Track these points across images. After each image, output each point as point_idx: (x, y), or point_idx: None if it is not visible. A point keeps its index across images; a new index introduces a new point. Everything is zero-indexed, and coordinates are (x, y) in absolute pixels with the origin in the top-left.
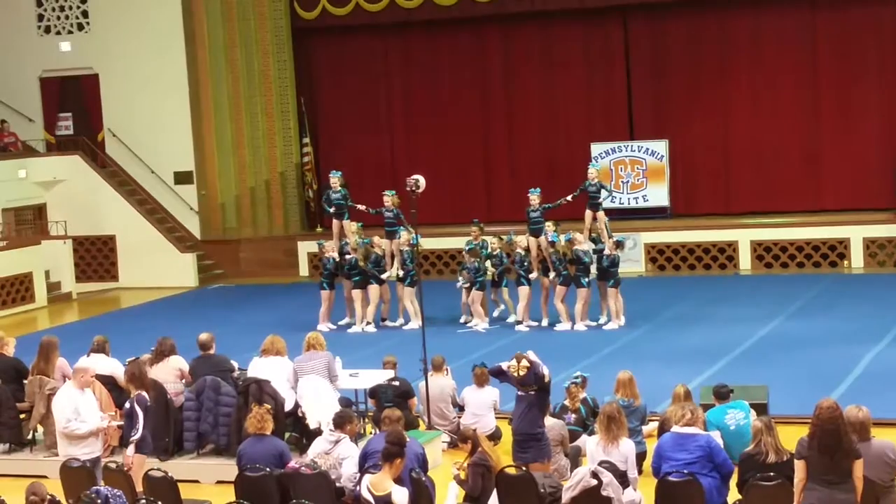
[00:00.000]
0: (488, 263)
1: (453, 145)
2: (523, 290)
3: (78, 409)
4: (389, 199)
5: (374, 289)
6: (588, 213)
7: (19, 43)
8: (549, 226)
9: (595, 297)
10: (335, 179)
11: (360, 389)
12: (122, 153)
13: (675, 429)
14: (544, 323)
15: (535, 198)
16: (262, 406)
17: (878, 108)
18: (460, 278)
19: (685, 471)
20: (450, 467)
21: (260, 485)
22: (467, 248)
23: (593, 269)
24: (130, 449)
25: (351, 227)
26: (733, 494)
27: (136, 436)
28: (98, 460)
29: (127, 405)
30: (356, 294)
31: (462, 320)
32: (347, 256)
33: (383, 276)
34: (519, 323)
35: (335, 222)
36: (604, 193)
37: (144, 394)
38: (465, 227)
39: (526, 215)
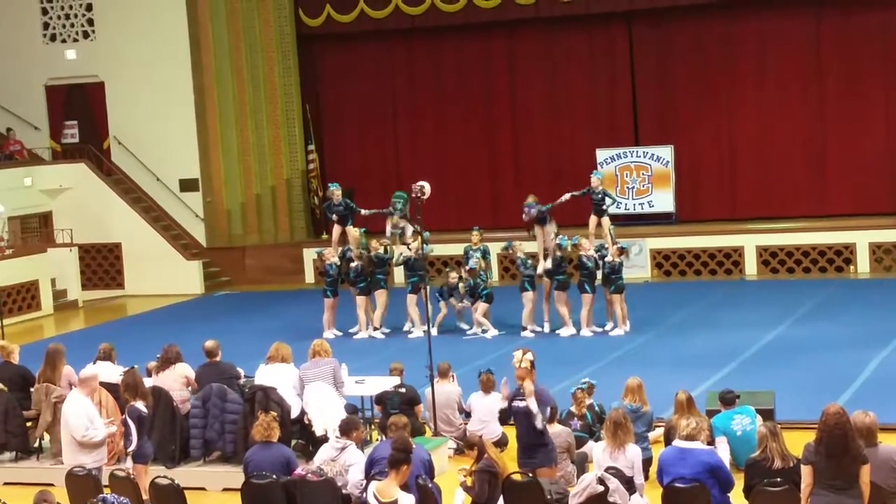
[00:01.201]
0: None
1: (459, 152)
2: (527, 296)
3: (91, 417)
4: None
5: (381, 293)
6: (592, 219)
7: (25, 51)
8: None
9: (601, 303)
10: (337, 192)
11: (367, 396)
12: (127, 161)
13: (677, 442)
14: (546, 329)
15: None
16: (268, 413)
17: (883, 112)
18: (459, 299)
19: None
20: (456, 474)
21: (266, 492)
22: (468, 266)
23: (599, 274)
24: (128, 461)
25: (353, 233)
26: (740, 500)
27: (131, 448)
28: (100, 468)
29: (123, 416)
30: (360, 301)
31: (470, 331)
32: (353, 264)
33: (394, 260)
34: (524, 329)
35: (336, 228)
36: (608, 201)
37: (138, 405)
38: (470, 233)
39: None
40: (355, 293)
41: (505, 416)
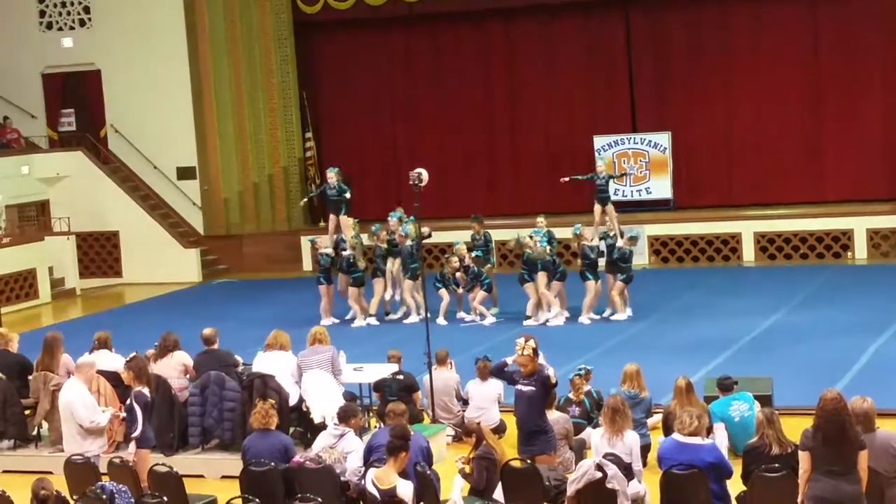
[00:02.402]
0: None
1: (456, 139)
2: (530, 287)
3: (94, 404)
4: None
5: (378, 281)
6: (597, 208)
7: (21, 39)
8: (540, 220)
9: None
10: (332, 175)
11: (365, 383)
12: (124, 149)
13: (677, 437)
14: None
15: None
16: (266, 401)
17: (880, 98)
18: (459, 285)
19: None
20: (454, 461)
21: (265, 479)
22: (473, 254)
23: (601, 262)
24: (131, 446)
25: (347, 222)
26: (738, 486)
27: (136, 433)
28: (98, 456)
29: (127, 402)
30: (352, 292)
31: (468, 319)
32: (345, 253)
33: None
34: (528, 318)
35: (331, 217)
36: (612, 186)
37: (143, 390)
38: (468, 220)
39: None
40: (348, 283)
41: (499, 372)
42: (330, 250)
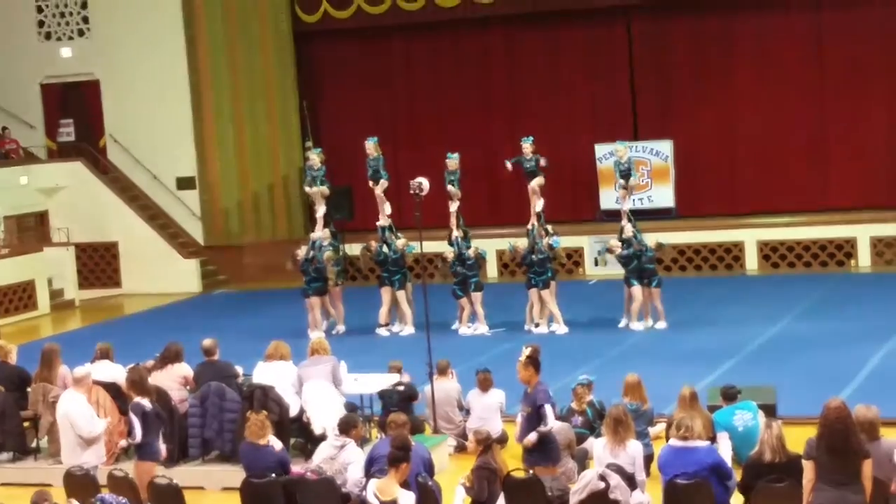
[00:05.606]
0: None
1: (456, 147)
2: (533, 293)
3: (93, 414)
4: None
5: (386, 290)
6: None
7: (20, 49)
8: (533, 227)
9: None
10: (314, 157)
11: (366, 394)
12: (123, 159)
13: (673, 442)
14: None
15: (527, 146)
16: (260, 412)
17: (884, 106)
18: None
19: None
20: (456, 472)
21: (265, 491)
22: (478, 250)
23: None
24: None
25: (326, 232)
26: (738, 498)
27: (135, 442)
28: (97, 467)
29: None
30: (314, 301)
31: (472, 327)
32: (323, 256)
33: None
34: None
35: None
36: (634, 176)
37: (141, 401)
38: (471, 229)
39: (520, 165)
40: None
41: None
42: (303, 255)
